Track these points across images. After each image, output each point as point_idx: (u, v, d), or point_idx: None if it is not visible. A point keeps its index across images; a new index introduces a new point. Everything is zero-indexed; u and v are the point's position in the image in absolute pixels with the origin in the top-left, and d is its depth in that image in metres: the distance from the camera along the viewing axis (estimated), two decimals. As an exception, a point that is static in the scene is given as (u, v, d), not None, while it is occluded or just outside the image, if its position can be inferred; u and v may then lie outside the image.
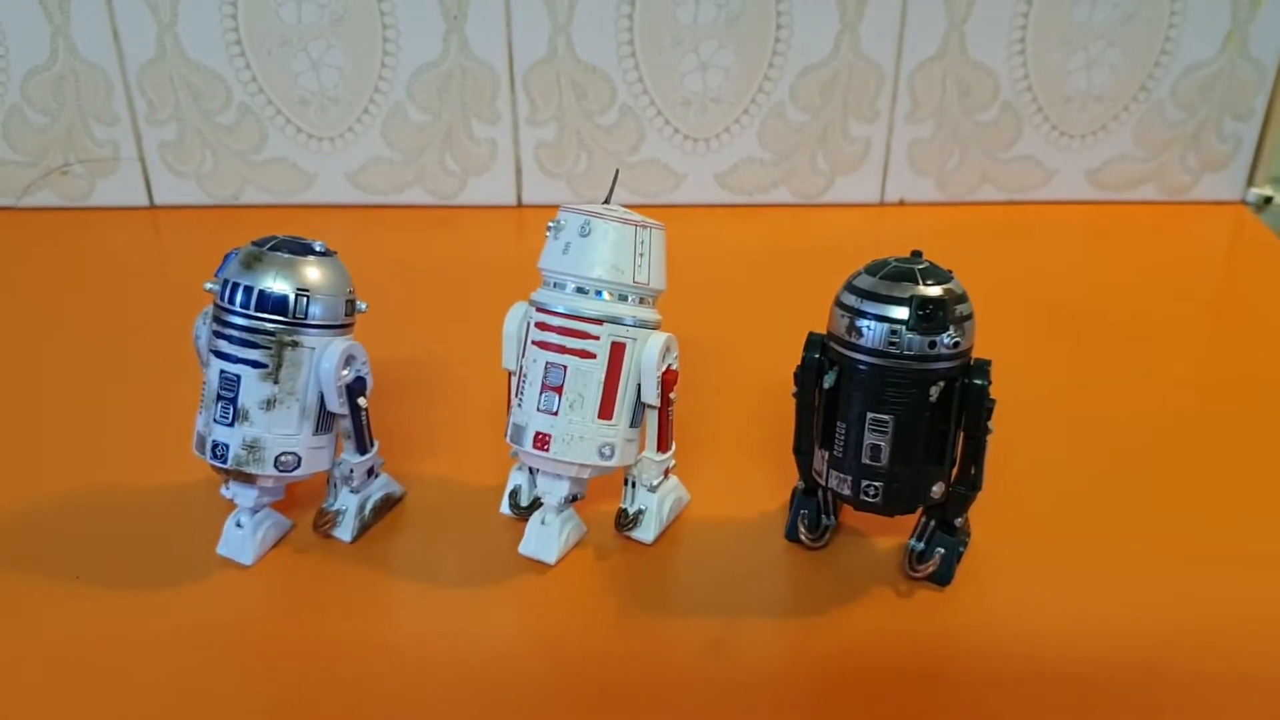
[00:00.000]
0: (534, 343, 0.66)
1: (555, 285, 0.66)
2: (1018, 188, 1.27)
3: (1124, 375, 0.94)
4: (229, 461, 0.65)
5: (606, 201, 0.67)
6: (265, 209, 1.26)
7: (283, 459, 0.65)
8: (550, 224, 0.67)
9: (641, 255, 0.65)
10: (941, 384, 0.61)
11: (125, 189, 1.26)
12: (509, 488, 0.73)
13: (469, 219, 1.26)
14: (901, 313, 0.60)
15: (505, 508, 0.73)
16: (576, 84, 1.19)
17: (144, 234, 1.24)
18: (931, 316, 0.60)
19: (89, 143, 1.23)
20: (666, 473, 0.71)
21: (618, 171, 0.70)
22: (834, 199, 1.27)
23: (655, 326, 0.67)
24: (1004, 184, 1.27)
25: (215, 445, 0.65)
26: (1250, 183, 1.28)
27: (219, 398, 0.65)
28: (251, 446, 0.65)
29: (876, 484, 0.63)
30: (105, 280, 1.13)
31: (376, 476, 0.72)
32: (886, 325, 0.60)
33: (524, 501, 0.73)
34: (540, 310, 0.66)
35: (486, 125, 1.22)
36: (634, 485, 0.71)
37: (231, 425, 0.64)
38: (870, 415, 0.62)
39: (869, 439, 0.62)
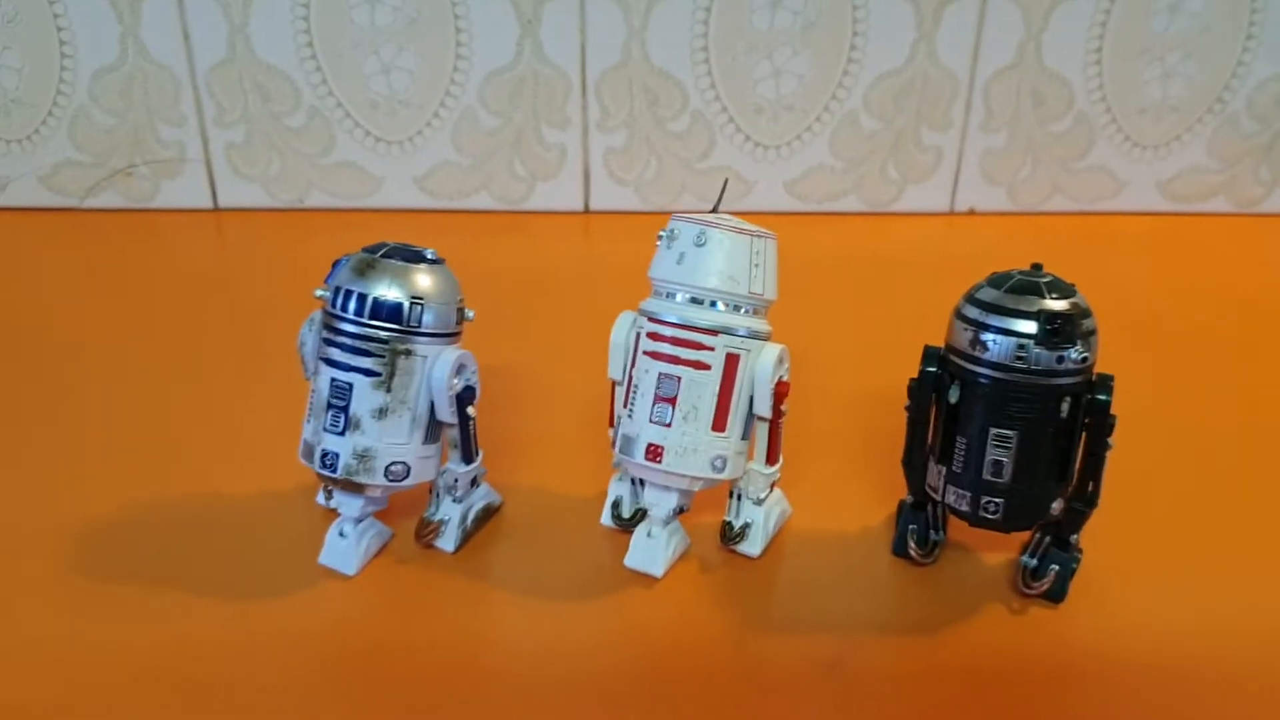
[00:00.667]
0: (645, 353, 0.65)
1: (667, 295, 0.65)
2: (1089, 198, 1.26)
3: (1206, 386, 0.93)
4: (339, 471, 0.64)
5: (714, 210, 0.66)
6: (330, 212, 1.26)
7: (393, 468, 0.65)
8: (662, 233, 0.66)
9: (757, 266, 0.64)
10: (1069, 399, 0.60)
11: (190, 191, 1.25)
12: (610, 498, 0.73)
13: (536, 224, 1.25)
14: (1029, 327, 0.59)
15: (607, 518, 0.73)
16: (649, 90, 1.19)
17: (208, 236, 1.24)
18: (1060, 331, 0.59)
19: (155, 144, 1.22)
20: (772, 486, 0.70)
21: (726, 180, 0.70)
22: (904, 208, 1.26)
23: (767, 337, 0.66)
24: (1075, 194, 1.26)
25: (325, 454, 0.64)
26: (1324, 195, 1.27)
27: (329, 406, 0.64)
28: (363, 456, 0.64)
29: (997, 500, 0.62)
30: (169, 282, 1.13)
31: (478, 486, 0.72)
32: (1014, 339, 0.59)
33: (626, 513, 0.72)
34: (652, 320, 0.65)
35: (556, 130, 1.21)
36: (740, 498, 0.70)
37: (343, 434, 0.64)
38: (993, 430, 0.61)
39: (991, 454, 0.61)
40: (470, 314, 0.67)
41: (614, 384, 0.69)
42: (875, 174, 1.24)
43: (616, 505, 0.72)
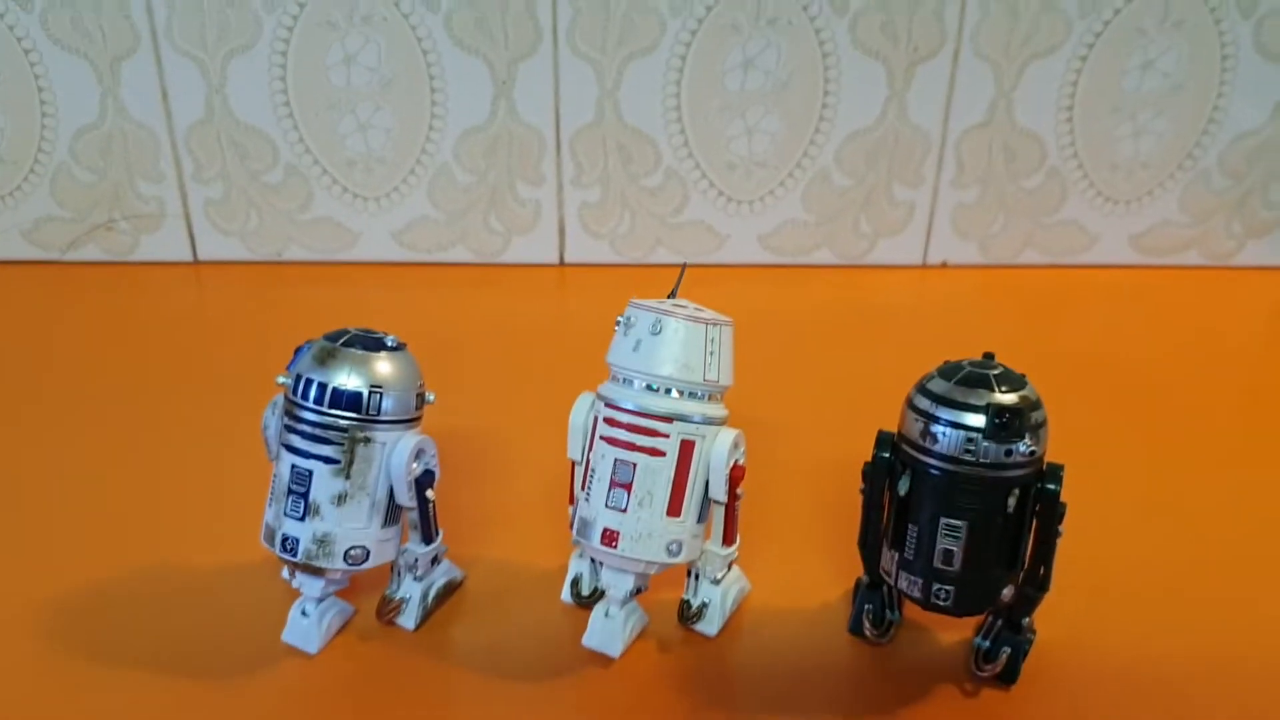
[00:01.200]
0: (602, 438, 0.66)
1: (624, 381, 0.66)
2: (1061, 252, 1.27)
3: (1170, 443, 0.94)
4: (299, 555, 0.65)
5: (671, 296, 0.67)
6: (309, 265, 1.27)
7: (352, 552, 0.65)
8: (619, 319, 0.66)
9: (711, 354, 0.65)
10: (1018, 492, 0.61)
11: (170, 244, 1.26)
12: (570, 575, 0.73)
13: (512, 277, 1.26)
14: (977, 420, 0.60)
15: (566, 596, 0.73)
16: (622, 147, 1.20)
17: (187, 289, 1.25)
18: (1008, 425, 0.59)
19: (135, 200, 1.23)
20: (730, 565, 0.71)
21: (684, 266, 0.70)
22: (876, 260, 1.27)
23: (722, 422, 0.67)
24: (1047, 248, 1.27)
25: (285, 539, 0.65)
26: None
27: (290, 491, 0.65)
28: (322, 541, 0.65)
29: (948, 588, 0.63)
30: (148, 334, 1.14)
31: (439, 563, 0.72)
32: (962, 433, 0.60)
33: (585, 590, 0.72)
34: (609, 406, 0.66)
35: (531, 186, 1.22)
36: (697, 577, 0.71)
37: (303, 519, 0.64)
38: (943, 520, 0.62)
39: (941, 543, 0.62)
40: (430, 397, 0.68)
41: (573, 464, 0.70)
42: (847, 228, 1.25)
43: (576, 583, 0.73)
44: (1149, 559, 0.79)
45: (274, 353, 0.69)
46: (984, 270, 1.28)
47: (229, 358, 1.08)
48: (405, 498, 0.66)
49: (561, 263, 1.27)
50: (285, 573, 0.71)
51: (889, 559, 0.66)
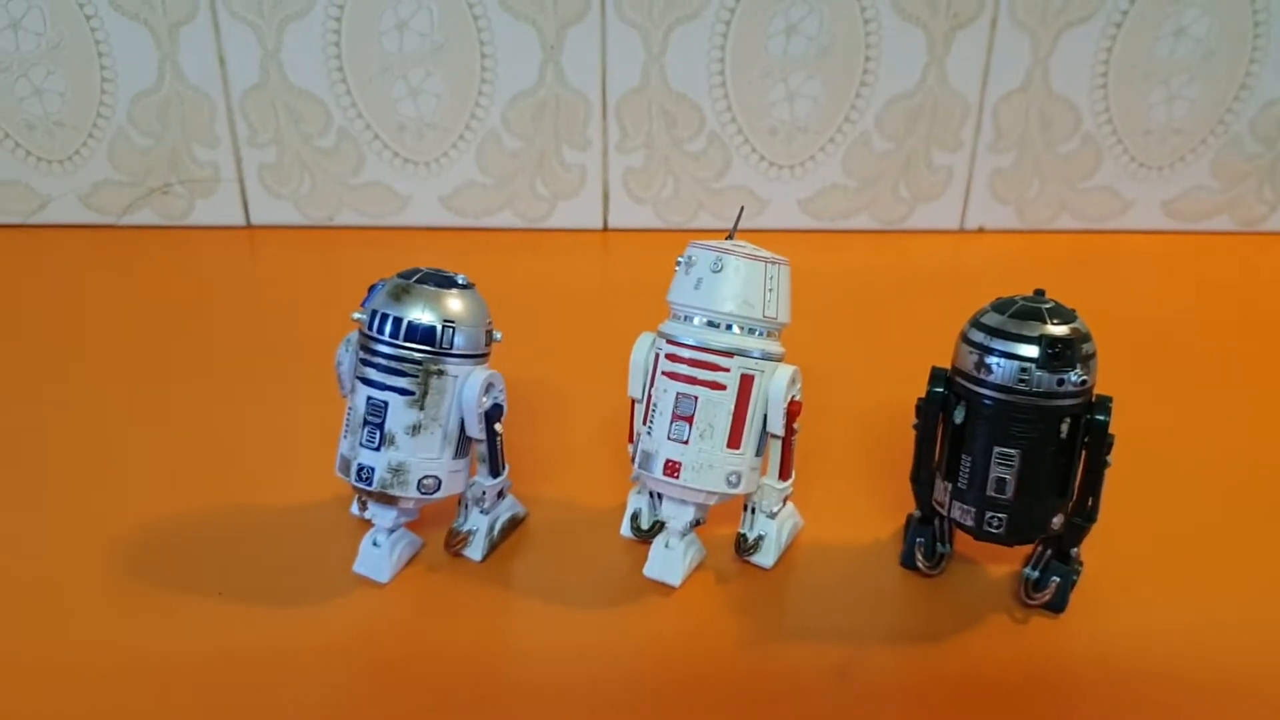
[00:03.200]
0: (664, 373, 0.68)
1: (685, 318, 0.68)
2: (1095, 217, 1.29)
3: (1206, 401, 0.96)
4: (374, 484, 0.67)
5: (730, 236, 0.69)
6: (360, 230, 1.29)
7: (425, 482, 0.68)
8: (680, 259, 0.69)
9: (770, 291, 0.67)
10: (1069, 420, 0.63)
11: (224, 209, 1.29)
12: (629, 511, 0.76)
13: (556, 242, 1.28)
14: (1031, 351, 0.62)
15: (626, 530, 0.76)
16: (667, 112, 1.22)
17: (240, 253, 1.28)
18: (1060, 355, 0.62)
19: (190, 164, 1.26)
20: (785, 500, 0.73)
21: (742, 209, 0.73)
22: (915, 225, 1.29)
23: (780, 359, 0.69)
24: (1081, 213, 1.29)
25: (361, 469, 0.67)
26: (1327, 214, 1.30)
27: (366, 423, 0.67)
28: (397, 470, 0.67)
29: (1000, 515, 0.65)
30: (203, 297, 1.16)
31: (504, 498, 0.75)
32: (1016, 363, 0.62)
33: (645, 525, 0.75)
34: (671, 342, 0.68)
35: (577, 151, 1.25)
36: (754, 511, 0.73)
37: (378, 449, 0.67)
38: (997, 449, 0.64)
39: (995, 472, 0.64)
40: (498, 335, 0.71)
41: (633, 402, 0.72)
42: (887, 193, 1.27)
43: (635, 517, 0.75)
44: (1191, 509, 0.81)
45: (326, 315, 0.70)
46: (1020, 235, 1.30)
47: (282, 320, 1.11)
48: (475, 430, 0.69)
49: (605, 228, 1.30)
50: (355, 507, 0.73)
51: (942, 490, 0.68)
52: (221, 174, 1.27)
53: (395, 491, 0.68)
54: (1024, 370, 0.62)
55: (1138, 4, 1.18)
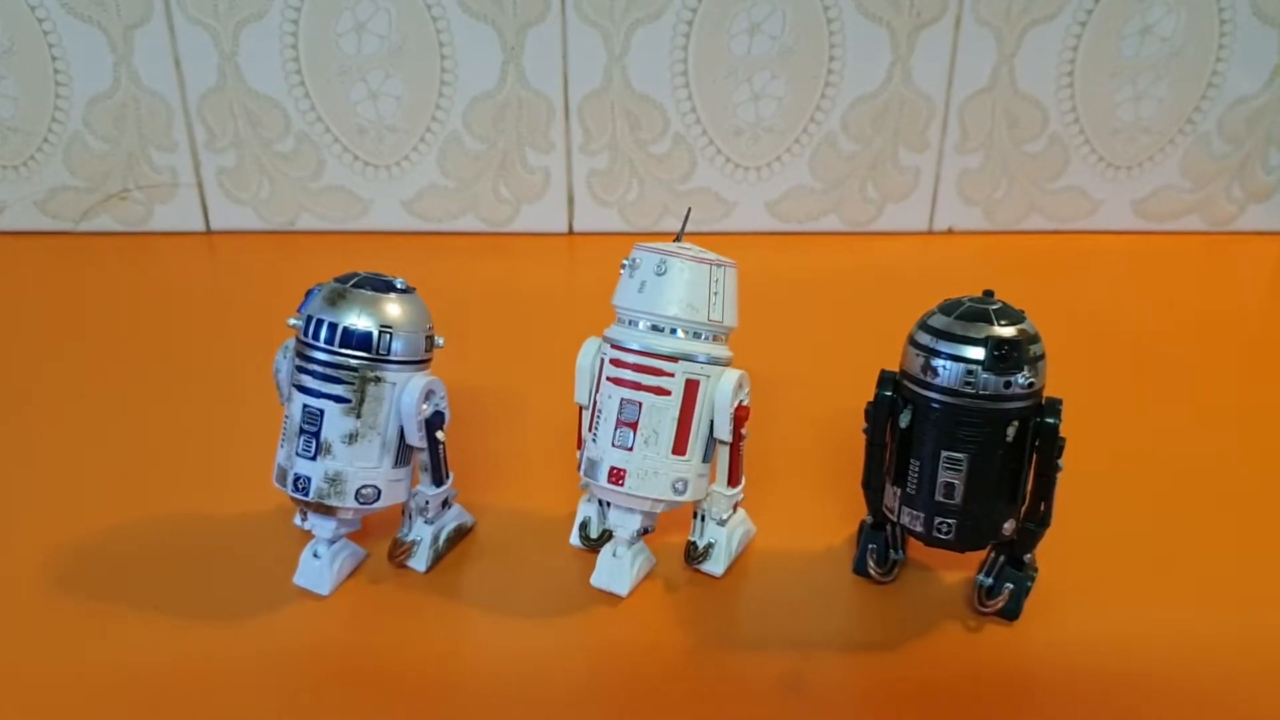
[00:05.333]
0: (609, 379, 0.67)
1: (629, 323, 0.67)
2: (1064, 217, 1.28)
3: (1170, 404, 0.94)
4: (311, 494, 0.66)
5: (678, 239, 0.68)
6: (321, 235, 1.28)
7: (363, 491, 0.67)
8: (625, 262, 0.68)
9: (715, 294, 0.66)
10: (1016, 423, 0.62)
11: (183, 214, 1.28)
12: (579, 519, 0.74)
13: (521, 246, 1.27)
14: (977, 353, 0.61)
15: (575, 539, 0.74)
16: (630, 113, 1.21)
17: (200, 259, 1.26)
18: (1007, 357, 0.60)
19: (148, 169, 1.25)
20: (735, 506, 0.72)
21: (689, 210, 0.71)
22: (883, 227, 1.28)
23: (727, 363, 0.68)
24: (1051, 213, 1.28)
25: (297, 478, 0.66)
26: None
27: (301, 431, 0.66)
28: (333, 480, 0.66)
29: (950, 521, 0.64)
30: (162, 304, 1.15)
31: (450, 507, 0.74)
32: (962, 365, 0.61)
33: (594, 533, 0.74)
34: (615, 347, 0.67)
35: (540, 154, 1.23)
36: (703, 519, 0.72)
37: (314, 459, 0.66)
38: (944, 453, 0.63)
39: (943, 477, 0.63)
40: (440, 341, 0.69)
41: (581, 408, 0.71)
42: (854, 194, 1.26)
43: (584, 526, 0.74)
44: (1149, 512, 0.80)
45: (285, 322, 0.70)
46: (989, 236, 1.29)
47: (241, 326, 1.09)
48: (415, 438, 0.67)
49: (570, 231, 1.28)
50: (298, 518, 0.72)
51: (892, 495, 0.67)
52: (180, 179, 1.25)
53: (332, 502, 0.66)
54: (970, 373, 0.61)
55: (1103, 2, 1.17)
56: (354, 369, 0.65)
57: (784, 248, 1.27)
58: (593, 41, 1.17)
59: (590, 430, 0.68)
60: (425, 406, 0.67)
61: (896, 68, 1.19)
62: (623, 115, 1.21)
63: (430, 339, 0.68)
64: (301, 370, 0.66)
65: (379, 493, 0.67)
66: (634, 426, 0.66)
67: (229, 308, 1.16)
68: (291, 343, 0.67)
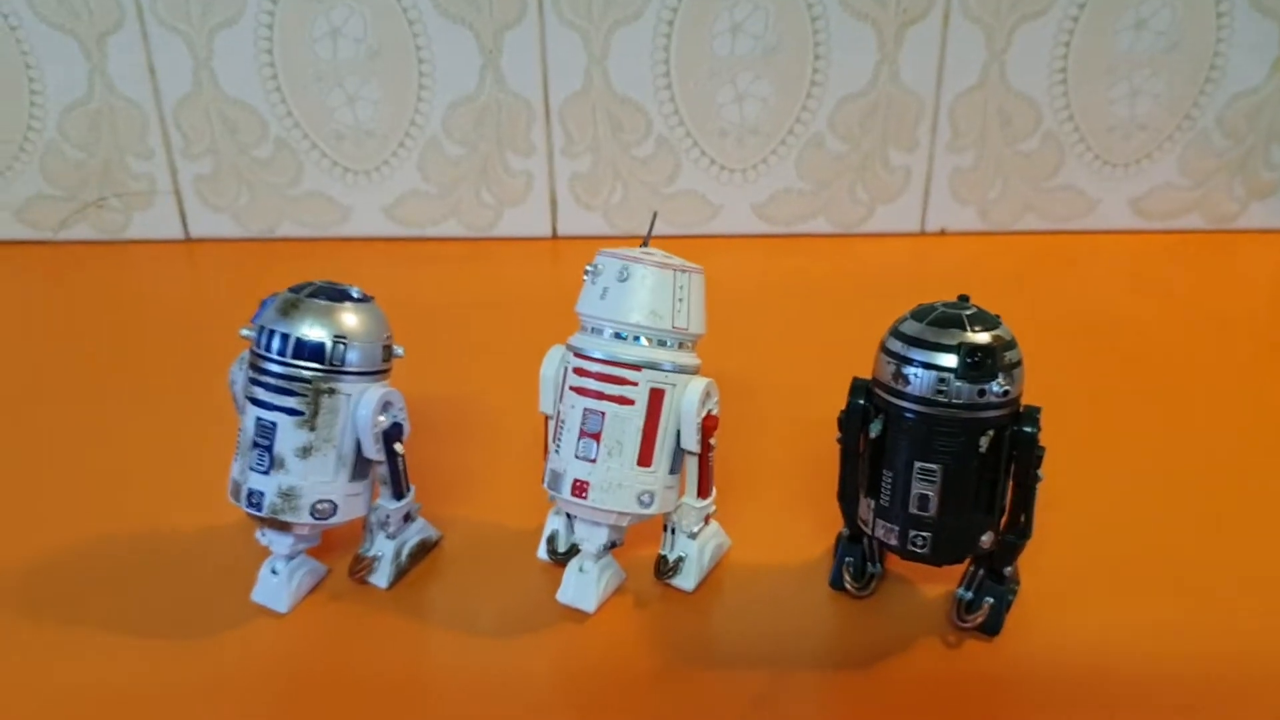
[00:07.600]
0: (572, 388, 0.65)
1: (593, 330, 0.65)
2: (1061, 217, 1.26)
3: (1169, 406, 0.92)
4: (264, 510, 0.64)
5: (645, 244, 0.66)
6: (301, 242, 1.26)
7: (319, 506, 0.65)
8: (588, 268, 0.66)
9: (680, 300, 0.64)
10: (991, 433, 0.59)
11: (161, 222, 1.26)
12: (546, 533, 0.72)
13: (504, 251, 1.25)
14: (950, 360, 0.58)
15: (543, 553, 0.72)
16: (612, 116, 1.19)
17: (179, 267, 1.25)
18: (980, 365, 0.58)
19: (125, 177, 1.23)
20: (707, 519, 0.70)
21: (655, 214, 0.69)
22: (874, 229, 1.26)
23: (694, 371, 0.66)
24: (1047, 213, 1.25)
25: (251, 493, 0.64)
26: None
27: (255, 445, 0.64)
28: (287, 494, 0.64)
29: (925, 534, 0.62)
30: (141, 313, 1.13)
31: (413, 521, 0.72)
32: (934, 373, 0.59)
33: (561, 547, 0.71)
34: (578, 355, 0.65)
35: (521, 158, 1.21)
36: (674, 532, 0.70)
37: (267, 473, 0.64)
38: (918, 464, 0.60)
39: (916, 488, 0.61)
40: (399, 350, 0.67)
41: (546, 419, 0.69)
42: (844, 195, 1.23)
43: (552, 540, 0.72)
44: (1143, 517, 0.77)
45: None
46: (984, 237, 1.26)
47: (220, 336, 1.07)
48: (372, 450, 0.65)
49: (554, 235, 1.26)
50: (258, 534, 0.70)
51: (866, 507, 0.64)
52: (157, 186, 1.23)
53: (287, 517, 0.64)
54: (942, 381, 0.59)
55: (1095, -4, 1.15)
56: (307, 380, 0.63)
57: (772, 251, 1.24)
58: (572, 43, 1.15)
59: (554, 441, 0.66)
60: (382, 418, 0.65)
61: (884, 66, 1.16)
62: (605, 118, 1.19)
63: (388, 349, 0.66)
64: (255, 382, 0.64)
65: (335, 507, 0.65)
66: (597, 437, 0.64)
67: (208, 316, 1.14)
68: (247, 354, 0.66)
